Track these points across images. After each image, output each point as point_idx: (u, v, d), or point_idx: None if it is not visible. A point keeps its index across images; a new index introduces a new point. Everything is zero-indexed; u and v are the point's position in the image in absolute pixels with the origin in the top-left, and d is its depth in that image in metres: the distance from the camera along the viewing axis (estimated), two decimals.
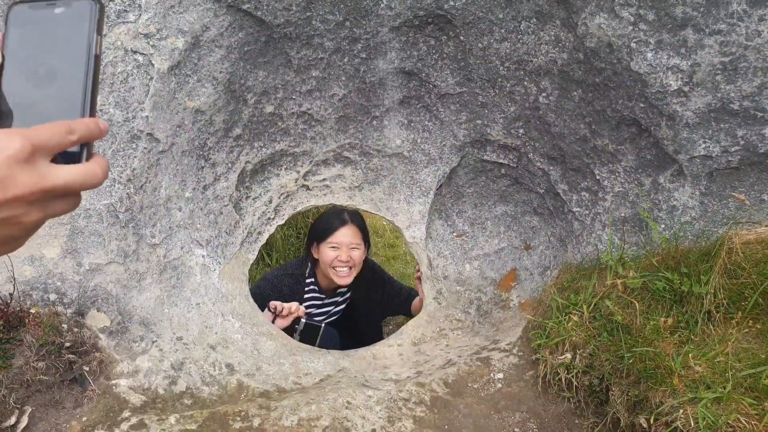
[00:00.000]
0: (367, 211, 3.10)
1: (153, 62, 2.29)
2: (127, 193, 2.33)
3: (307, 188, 3.01)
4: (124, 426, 2.07)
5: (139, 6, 2.26)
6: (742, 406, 1.68)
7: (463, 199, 3.11)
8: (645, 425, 1.87)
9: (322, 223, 3.24)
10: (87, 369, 2.21)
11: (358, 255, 3.17)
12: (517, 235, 3.03)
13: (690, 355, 1.90)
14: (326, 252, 3.16)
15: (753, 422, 1.67)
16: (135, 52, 2.26)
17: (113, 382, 2.23)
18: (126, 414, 2.12)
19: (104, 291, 2.32)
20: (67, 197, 0.61)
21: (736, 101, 2.08)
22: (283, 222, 3.00)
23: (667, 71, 2.13)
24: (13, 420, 1.97)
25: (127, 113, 2.29)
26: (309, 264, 3.34)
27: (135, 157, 2.33)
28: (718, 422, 1.65)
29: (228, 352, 2.51)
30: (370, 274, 3.46)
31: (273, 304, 2.91)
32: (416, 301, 3.39)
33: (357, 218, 3.24)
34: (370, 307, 3.52)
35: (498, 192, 3.03)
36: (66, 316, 2.25)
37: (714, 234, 2.27)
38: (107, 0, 2.24)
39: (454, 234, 3.15)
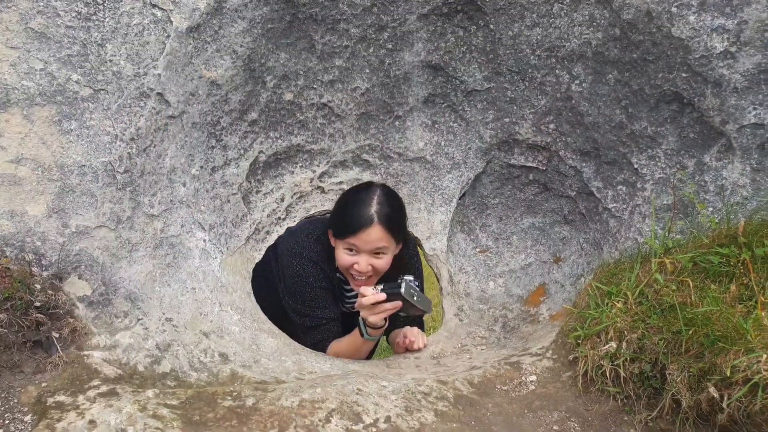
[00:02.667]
0: None
1: (172, 19, 2.22)
2: (129, 153, 2.16)
3: (323, 190, 2.83)
4: (92, 393, 1.75)
5: None
6: None
7: (488, 211, 2.90)
8: (715, 394, 1.54)
9: (343, 213, 2.46)
10: (57, 335, 1.92)
11: (383, 263, 2.44)
12: (546, 248, 2.79)
13: (764, 313, 1.61)
14: (341, 253, 2.45)
15: None
16: (154, 6, 2.19)
17: (85, 353, 1.92)
18: (95, 383, 1.80)
19: (89, 257, 2.07)
20: None
21: None
22: (294, 224, 2.79)
23: (711, 33, 2.02)
24: None
25: (139, 68, 2.17)
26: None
27: (142, 115, 2.19)
28: None
29: (223, 342, 2.21)
30: (405, 264, 2.67)
31: (369, 300, 2.29)
32: (401, 336, 2.60)
33: (389, 212, 2.41)
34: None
35: (525, 202, 2.83)
36: (41, 277, 1.99)
37: None
38: None
39: (477, 250, 2.91)
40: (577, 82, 2.43)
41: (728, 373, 1.49)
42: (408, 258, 2.71)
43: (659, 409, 1.78)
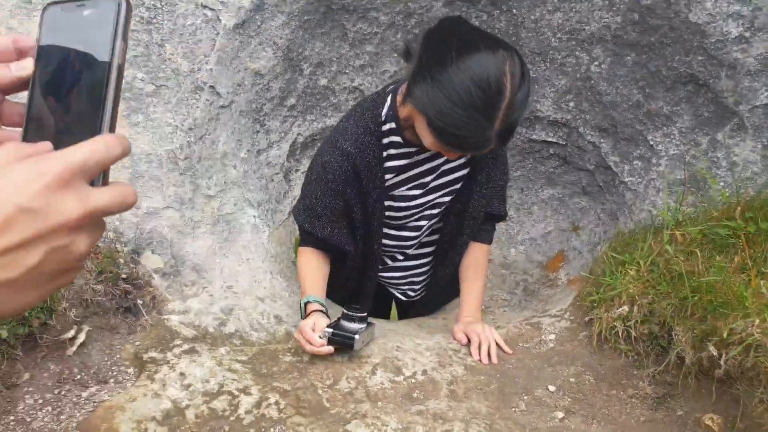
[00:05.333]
0: None
1: (221, 18, 2.42)
2: (188, 141, 2.41)
3: None
4: (177, 350, 2.05)
5: None
6: None
7: (510, 183, 3.11)
8: (715, 352, 1.78)
9: (452, 120, 1.53)
10: (141, 302, 2.21)
11: None
12: (565, 218, 3.01)
13: (762, 282, 1.83)
14: (429, 137, 1.63)
15: None
16: (205, 7, 2.40)
17: (165, 316, 2.22)
18: (178, 342, 2.10)
19: (159, 234, 2.35)
20: (99, 223, 0.55)
21: None
22: None
23: (727, 18, 2.17)
24: (71, 333, 1.97)
25: (193, 65, 2.40)
26: (388, 100, 1.88)
27: (197, 107, 2.42)
28: None
29: (276, 305, 2.49)
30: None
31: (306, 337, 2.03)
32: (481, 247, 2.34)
33: (513, 125, 1.57)
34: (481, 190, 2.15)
35: (545, 174, 3.03)
36: (123, 252, 2.28)
37: None
38: None
39: None
40: (596, 63, 2.59)
41: (726, 335, 1.73)
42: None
43: (665, 364, 2.02)
